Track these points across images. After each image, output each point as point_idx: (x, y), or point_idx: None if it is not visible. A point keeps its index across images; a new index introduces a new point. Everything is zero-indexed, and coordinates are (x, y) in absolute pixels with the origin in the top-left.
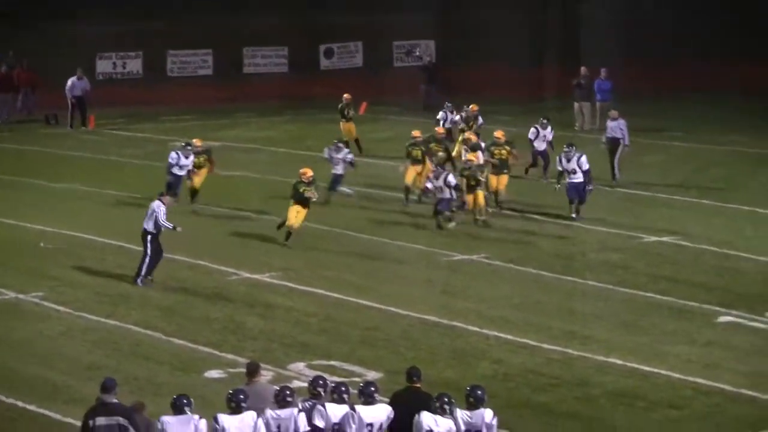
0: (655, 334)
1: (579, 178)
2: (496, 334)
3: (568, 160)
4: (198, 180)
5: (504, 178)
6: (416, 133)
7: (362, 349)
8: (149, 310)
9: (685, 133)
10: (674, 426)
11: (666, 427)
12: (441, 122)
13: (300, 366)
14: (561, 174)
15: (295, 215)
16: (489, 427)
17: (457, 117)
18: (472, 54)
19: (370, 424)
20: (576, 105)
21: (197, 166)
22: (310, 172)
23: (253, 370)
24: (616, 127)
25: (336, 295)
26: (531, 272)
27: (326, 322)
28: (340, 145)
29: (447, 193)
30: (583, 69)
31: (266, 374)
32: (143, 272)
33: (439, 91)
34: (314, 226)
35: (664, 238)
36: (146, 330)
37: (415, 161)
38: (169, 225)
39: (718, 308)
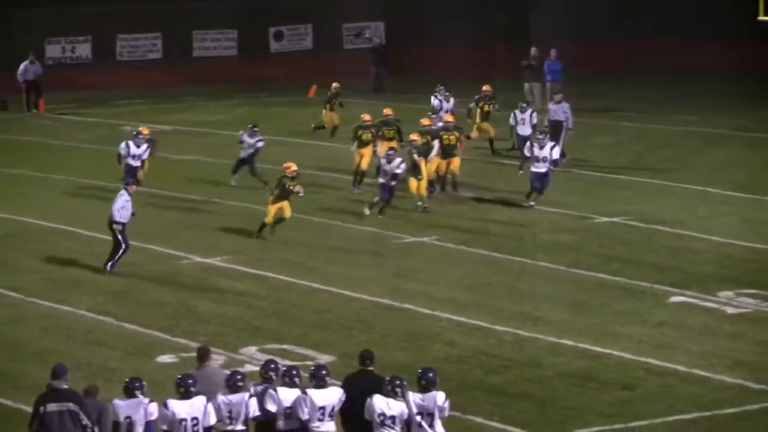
0: (607, 314)
1: (545, 167)
2: (448, 316)
3: (541, 148)
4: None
5: (456, 160)
6: (366, 116)
7: (315, 333)
8: (100, 296)
9: (636, 113)
10: (627, 406)
11: (618, 408)
12: (438, 110)
13: (252, 350)
14: (527, 159)
15: (276, 211)
16: (441, 409)
17: (472, 104)
18: (421, 34)
19: (322, 408)
20: (526, 86)
21: None
22: (293, 167)
23: (203, 355)
24: (559, 110)
25: (288, 278)
26: (482, 254)
27: (278, 305)
28: (256, 130)
29: (392, 180)
30: (533, 50)
31: (218, 358)
32: (115, 260)
33: (390, 73)
34: (264, 208)
35: (616, 219)
36: (98, 315)
37: (363, 144)
38: (117, 216)
39: (670, 288)
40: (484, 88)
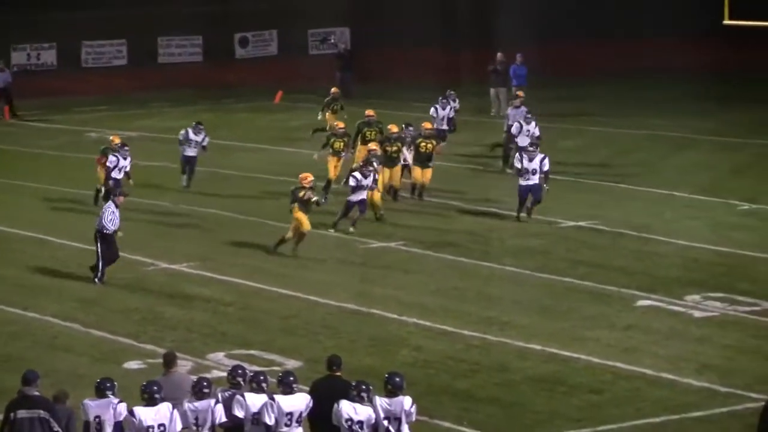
0: (574, 319)
1: (535, 179)
2: (415, 321)
3: (530, 160)
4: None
5: (428, 172)
6: (340, 124)
7: (282, 338)
8: (67, 302)
9: (605, 116)
10: (595, 410)
11: (587, 412)
12: (433, 117)
13: (219, 356)
14: (519, 173)
15: (305, 221)
16: (408, 414)
17: (508, 109)
18: (386, 40)
19: (290, 413)
20: (492, 91)
21: None
22: (310, 177)
23: (169, 361)
24: (518, 114)
25: (254, 283)
26: (449, 258)
27: (245, 311)
28: (201, 127)
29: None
30: (499, 55)
31: (185, 364)
32: (99, 272)
33: (355, 79)
34: (230, 215)
35: (583, 223)
36: (64, 322)
37: (336, 153)
38: (109, 226)
39: (637, 292)
40: (517, 93)
